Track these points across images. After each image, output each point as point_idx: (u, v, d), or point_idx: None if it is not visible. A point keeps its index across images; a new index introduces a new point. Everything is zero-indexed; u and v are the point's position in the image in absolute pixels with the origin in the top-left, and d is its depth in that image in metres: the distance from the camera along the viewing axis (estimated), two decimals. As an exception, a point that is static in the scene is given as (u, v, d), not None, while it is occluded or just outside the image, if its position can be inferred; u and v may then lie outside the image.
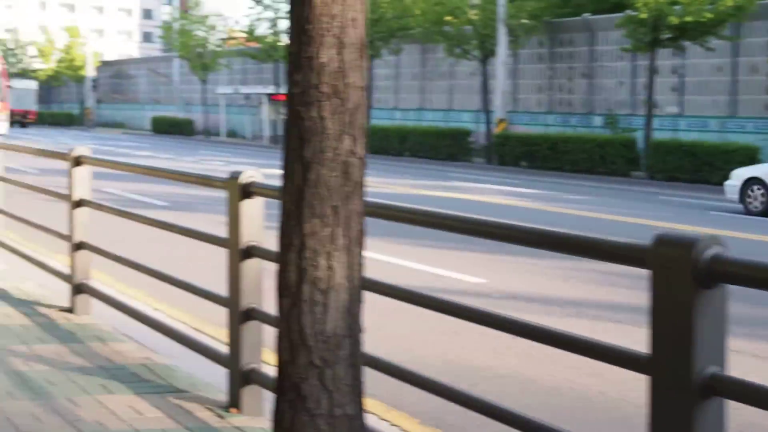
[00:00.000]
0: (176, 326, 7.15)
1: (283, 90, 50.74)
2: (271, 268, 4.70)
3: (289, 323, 3.60)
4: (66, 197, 8.12)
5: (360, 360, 3.67)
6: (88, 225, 7.99)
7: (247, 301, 5.44)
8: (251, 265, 5.44)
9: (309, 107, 3.53)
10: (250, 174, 5.44)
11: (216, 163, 31.59)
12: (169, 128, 62.67)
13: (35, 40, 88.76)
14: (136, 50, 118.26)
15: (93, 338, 7.11)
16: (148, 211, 14.92)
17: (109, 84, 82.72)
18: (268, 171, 27.20)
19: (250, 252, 5.41)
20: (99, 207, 7.87)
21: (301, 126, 3.55)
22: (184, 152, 39.15)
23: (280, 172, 3.69)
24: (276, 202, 5.46)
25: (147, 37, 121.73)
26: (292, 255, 3.59)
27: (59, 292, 8.65)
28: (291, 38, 3.60)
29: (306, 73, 3.53)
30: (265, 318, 5.41)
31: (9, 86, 42.41)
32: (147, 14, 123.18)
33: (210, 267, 10.61)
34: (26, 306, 8.16)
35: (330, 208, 3.55)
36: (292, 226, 3.60)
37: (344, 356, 3.58)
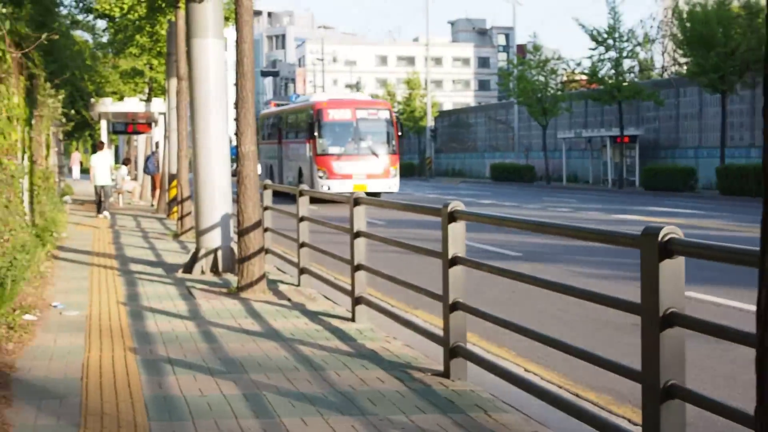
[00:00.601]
0: (569, 398, 6.46)
1: (627, 132, 49.39)
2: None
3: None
4: (438, 254, 7.63)
5: None
6: (463, 284, 7.45)
7: (667, 377, 4.65)
8: (672, 335, 4.64)
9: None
10: (671, 229, 4.64)
11: (562, 210, 30.84)
12: (508, 175, 62.62)
13: (375, 93, 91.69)
14: (471, 99, 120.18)
15: (474, 408, 6.52)
16: (502, 262, 14.40)
17: (448, 133, 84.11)
18: (619, 217, 26.01)
19: (671, 320, 4.61)
20: (477, 266, 7.29)
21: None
22: (526, 199, 38.66)
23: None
24: (700, 262, 4.70)
25: (483, 85, 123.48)
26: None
27: (430, 354, 8.22)
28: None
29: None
30: (691, 397, 4.59)
31: (400, 136, 38.04)
32: (483, 63, 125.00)
33: (577, 326, 9.95)
34: (398, 369, 7.72)
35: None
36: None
37: None
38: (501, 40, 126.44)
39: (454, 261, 7.35)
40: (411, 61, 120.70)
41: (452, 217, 7.34)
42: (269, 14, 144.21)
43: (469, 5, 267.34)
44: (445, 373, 7.44)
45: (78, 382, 7.21)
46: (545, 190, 49.92)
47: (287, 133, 42.92)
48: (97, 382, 7.24)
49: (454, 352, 7.38)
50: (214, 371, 7.61)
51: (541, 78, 56.67)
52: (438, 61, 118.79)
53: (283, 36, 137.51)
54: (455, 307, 7.38)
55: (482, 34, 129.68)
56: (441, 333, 7.75)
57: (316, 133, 36.67)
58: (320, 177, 36.29)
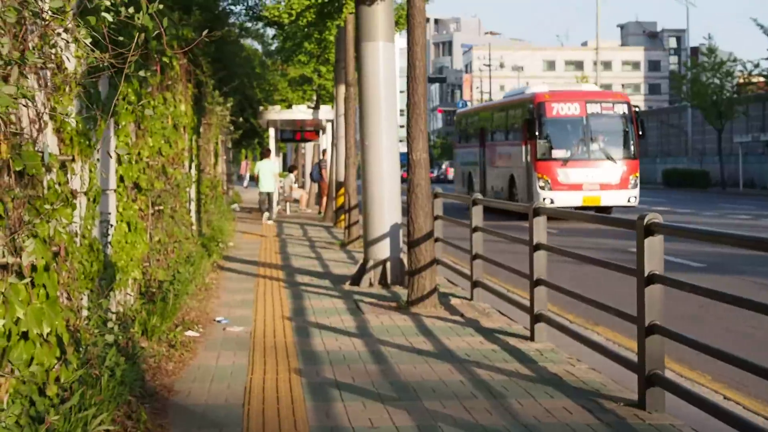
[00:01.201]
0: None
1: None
2: None
3: None
4: (632, 271, 6.85)
5: None
6: (660, 305, 6.65)
7: None
8: None
9: None
10: None
11: (741, 217, 29.34)
12: (681, 181, 60.63)
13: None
14: (641, 102, 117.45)
15: (674, 446, 5.76)
16: (686, 275, 13.44)
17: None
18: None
19: None
20: (678, 285, 6.49)
21: None
22: (702, 206, 37.06)
23: None
24: None
25: (654, 89, 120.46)
26: None
27: (618, 379, 7.48)
28: None
29: None
30: None
31: (641, 136, 29.90)
32: (654, 66, 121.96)
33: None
34: (585, 398, 6.98)
35: None
36: None
37: None
38: (672, 42, 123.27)
39: (651, 279, 6.57)
40: (579, 65, 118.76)
41: (649, 230, 6.56)
42: (436, 21, 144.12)
43: (639, 8, 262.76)
44: (640, 404, 6.69)
45: (239, 409, 6.70)
46: (721, 197, 47.96)
47: (493, 135, 35.61)
48: (260, 409, 6.71)
49: (650, 380, 6.60)
50: (384, 398, 7.01)
51: (716, 81, 54.65)
52: (607, 65, 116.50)
53: (450, 42, 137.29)
54: (652, 330, 6.59)
55: (653, 37, 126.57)
56: (634, 357, 6.99)
57: (536, 133, 29.47)
58: (541, 187, 29.30)
